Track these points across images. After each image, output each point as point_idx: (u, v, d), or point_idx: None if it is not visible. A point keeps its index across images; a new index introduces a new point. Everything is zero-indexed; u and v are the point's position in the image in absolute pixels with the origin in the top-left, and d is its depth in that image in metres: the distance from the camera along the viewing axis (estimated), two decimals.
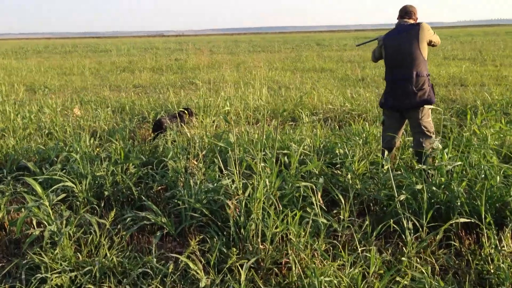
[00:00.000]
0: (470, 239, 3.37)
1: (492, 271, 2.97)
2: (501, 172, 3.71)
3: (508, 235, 3.19)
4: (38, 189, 3.45)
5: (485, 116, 5.57)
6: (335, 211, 3.95)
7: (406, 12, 4.74)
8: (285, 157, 4.58)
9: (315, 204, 3.44)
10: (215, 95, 9.35)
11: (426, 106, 4.61)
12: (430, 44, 4.66)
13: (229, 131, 5.61)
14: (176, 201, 4.03)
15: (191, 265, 2.95)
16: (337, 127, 6.71)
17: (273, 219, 3.27)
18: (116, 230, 3.62)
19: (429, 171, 3.92)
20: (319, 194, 3.51)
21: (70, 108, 8.66)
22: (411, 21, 4.71)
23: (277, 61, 20.65)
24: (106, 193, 4.35)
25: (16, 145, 5.80)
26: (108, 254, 3.21)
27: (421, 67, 4.56)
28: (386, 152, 4.32)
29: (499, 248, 3.09)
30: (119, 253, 3.33)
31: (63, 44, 47.67)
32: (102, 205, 4.24)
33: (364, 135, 5.71)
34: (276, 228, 3.22)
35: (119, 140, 5.85)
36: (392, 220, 3.28)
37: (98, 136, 6.16)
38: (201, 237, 3.29)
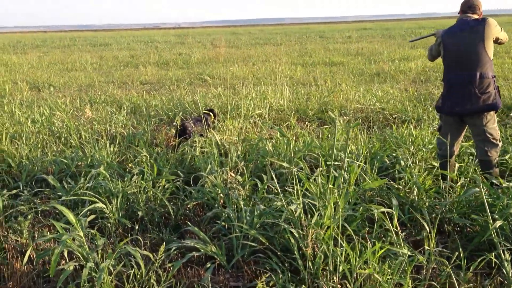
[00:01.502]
0: None
1: None
2: None
3: None
4: (71, 217, 2.96)
5: None
6: (404, 234, 3.48)
7: (469, 6, 4.24)
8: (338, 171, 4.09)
9: (391, 231, 2.98)
10: (232, 94, 8.86)
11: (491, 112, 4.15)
12: (496, 41, 4.18)
13: (265, 139, 5.12)
14: (222, 223, 3.55)
15: None
16: (376, 130, 6.21)
17: (346, 251, 2.81)
18: (160, 262, 3.14)
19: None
20: (395, 219, 3.04)
21: (80, 109, 8.15)
22: (475, 16, 4.21)
23: (283, 54, 20.09)
24: (140, 213, 3.87)
25: (29, 154, 5.30)
26: None
27: (486, 67, 4.08)
28: (456, 165, 3.84)
29: None
30: None
31: (61, 38, 46.82)
32: (137, 227, 3.76)
33: (410, 139, 5.23)
34: (348, 262, 2.75)
35: (141, 147, 5.36)
36: (493, 254, 2.80)
37: (117, 142, 5.67)
38: (267, 275, 2.81)
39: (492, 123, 4.15)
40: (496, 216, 3.06)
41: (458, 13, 4.34)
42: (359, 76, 12.54)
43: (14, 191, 4.29)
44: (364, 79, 11.87)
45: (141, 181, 4.10)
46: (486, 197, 3.31)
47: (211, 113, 6.35)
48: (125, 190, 3.97)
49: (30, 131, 6.20)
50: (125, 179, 4.14)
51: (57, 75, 14.08)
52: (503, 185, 3.33)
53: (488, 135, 4.13)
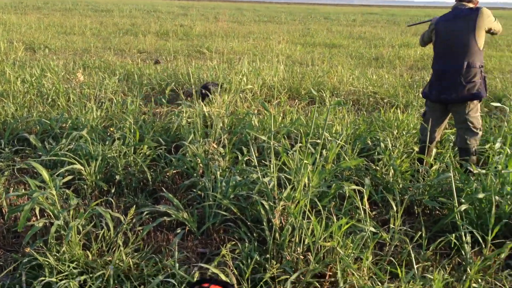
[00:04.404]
0: None
1: None
2: None
3: None
4: (45, 175, 2.98)
5: None
6: (374, 213, 3.52)
7: None
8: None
9: (360, 208, 3.01)
10: (227, 68, 8.83)
11: (475, 101, 4.14)
12: (489, 32, 4.14)
13: (252, 113, 5.13)
14: (197, 192, 3.58)
15: (223, 277, 2.52)
16: (364, 113, 6.21)
17: (313, 225, 2.85)
18: (131, 225, 3.18)
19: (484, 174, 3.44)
20: (365, 197, 3.07)
21: (73, 73, 8.11)
22: (470, 5, 4.16)
23: (285, 33, 19.91)
24: (117, 177, 3.89)
25: (15, 113, 5.29)
26: (123, 255, 2.77)
27: (474, 57, 4.06)
28: (434, 151, 3.85)
29: None
30: (135, 253, 2.90)
31: (63, 1, 46.11)
32: (113, 191, 3.79)
33: (396, 124, 5.24)
34: (315, 235, 2.78)
35: (129, 113, 5.35)
36: (453, 235, 2.84)
37: (105, 107, 5.66)
38: (232, 243, 2.85)
39: (475, 112, 4.15)
40: (463, 200, 3.09)
41: (455, 1, 4.30)
42: (357, 59, 12.47)
43: None
44: (362, 63, 11.82)
45: (122, 146, 4.11)
46: (457, 182, 3.35)
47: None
48: (105, 154, 3.98)
49: (18, 90, 6.18)
50: (106, 143, 4.15)
51: (54, 38, 13.95)
52: (474, 171, 3.35)
53: (469, 123, 4.13)
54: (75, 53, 11.39)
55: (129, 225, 3.10)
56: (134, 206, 3.02)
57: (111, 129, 4.54)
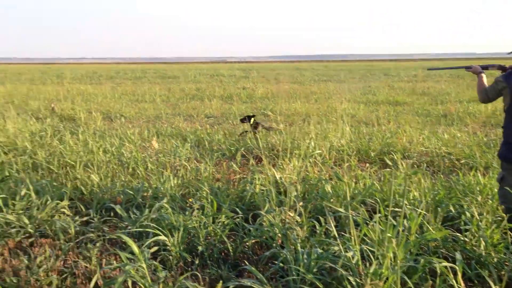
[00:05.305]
0: None
1: None
2: None
3: None
4: (135, 248, 3.13)
5: None
6: None
7: None
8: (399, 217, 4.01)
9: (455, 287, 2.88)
10: (296, 132, 8.95)
11: None
12: None
13: (325, 179, 5.13)
14: (279, 264, 3.57)
15: None
16: (441, 176, 6.02)
17: None
18: None
19: None
20: (459, 275, 2.94)
21: (148, 140, 8.54)
22: None
23: (346, 92, 20.05)
24: (200, 248, 3.97)
25: (100, 182, 5.61)
26: None
27: None
28: None
29: None
30: None
31: (133, 70, 49.43)
32: (197, 262, 3.86)
33: (478, 188, 5.03)
34: None
35: (203, 181, 5.52)
36: None
37: (180, 175, 5.88)
38: None
39: None
40: None
41: None
42: (424, 117, 12.25)
43: (85, 218, 4.56)
44: (430, 121, 11.58)
45: (202, 216, 4.22)
46: None
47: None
48: (186, 224, 4.10)
49: (101, 160, 6.57)
50: (186, 213, 4.28)
51: (128, 106, 14.83)
52: None
53: None
54: (148, 121, 12.01)
55: None
56: (221, 281, 3.05)
57: (190, 199, 4.69)
